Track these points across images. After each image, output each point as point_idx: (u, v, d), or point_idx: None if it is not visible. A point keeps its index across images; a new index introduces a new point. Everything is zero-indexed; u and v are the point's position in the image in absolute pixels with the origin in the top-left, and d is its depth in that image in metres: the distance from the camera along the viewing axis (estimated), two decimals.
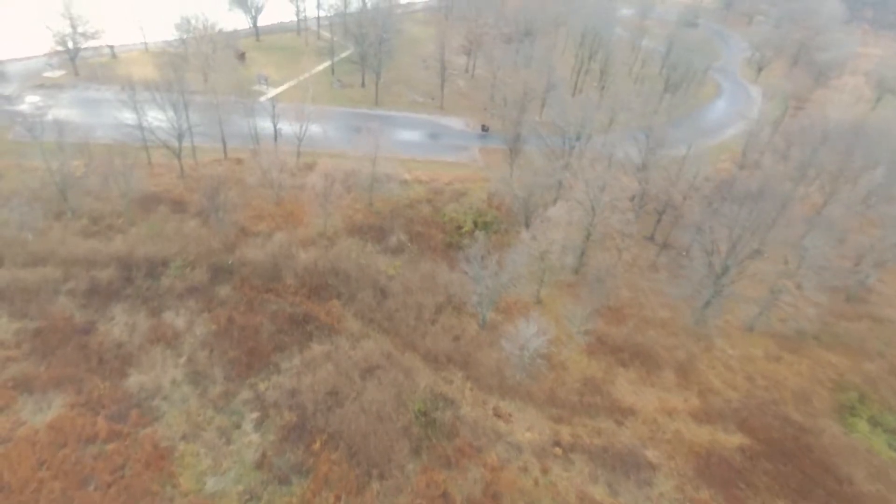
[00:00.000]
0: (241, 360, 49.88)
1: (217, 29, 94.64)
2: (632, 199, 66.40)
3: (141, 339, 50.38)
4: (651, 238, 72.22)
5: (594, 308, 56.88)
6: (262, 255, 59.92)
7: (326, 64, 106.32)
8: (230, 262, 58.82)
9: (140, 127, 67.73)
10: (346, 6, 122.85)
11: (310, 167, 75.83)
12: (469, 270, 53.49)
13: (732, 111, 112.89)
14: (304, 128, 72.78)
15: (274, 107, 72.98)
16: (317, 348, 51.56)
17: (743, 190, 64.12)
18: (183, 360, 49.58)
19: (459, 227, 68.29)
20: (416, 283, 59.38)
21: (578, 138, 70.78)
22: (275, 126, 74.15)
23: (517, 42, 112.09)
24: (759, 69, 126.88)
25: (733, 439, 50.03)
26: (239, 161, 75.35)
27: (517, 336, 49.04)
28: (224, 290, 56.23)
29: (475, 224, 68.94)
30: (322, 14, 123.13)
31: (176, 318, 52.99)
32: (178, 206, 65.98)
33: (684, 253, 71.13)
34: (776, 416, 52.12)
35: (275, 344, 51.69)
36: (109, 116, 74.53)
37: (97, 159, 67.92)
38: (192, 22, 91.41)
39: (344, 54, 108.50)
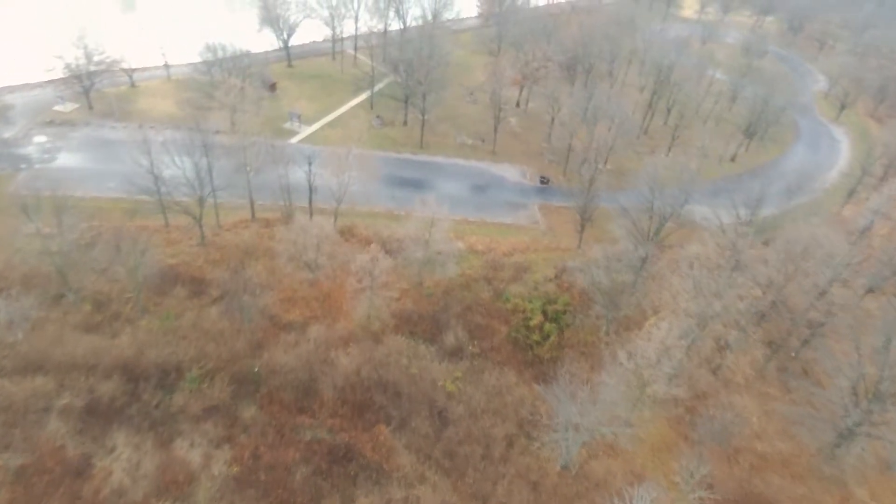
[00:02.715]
0: None
1: (246, 60, 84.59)
2: (760, 319, 54.56)
3: (146, 485, 40.45)
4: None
5: (704, 452, 45.60)
6: (295, 359, 49.73)
7: (364, 96, 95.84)
8: (256, 370, 48.74)
9: (157, 190, 58.10)
10: (385, 28, 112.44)
11: (349, 232, 65.56)
12: (559, 411, 42.50)
13: (816, 159, 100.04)
14: (343, 189, 62.33)
15: (311, 165, 62.43)
16: (363, 502, 41.17)
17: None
18: None
19: (527, 319, 57.39)
20: (481, 404, 48.72)
21: (672, 214, 59.35)
22: (310, 185, 63.76)
23: (575, 71, 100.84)
24: (842, 107, 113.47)
25: None
26: (268, 223, 65.32)
27: None
28: (249, 411, 46.10)
29: (545, 314, 58.04)
30: (359, 33, 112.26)
31: (190, 451, 42.98)
32: (198, 285, 56.11)
33: (793, 354, 59.60)
34: None
35: (311, 493, 41.39)
36: (124, 162, 63.75)
37: (106, 223, 58.98)
38: (220, 53, 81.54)
39: (382, 83, 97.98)
